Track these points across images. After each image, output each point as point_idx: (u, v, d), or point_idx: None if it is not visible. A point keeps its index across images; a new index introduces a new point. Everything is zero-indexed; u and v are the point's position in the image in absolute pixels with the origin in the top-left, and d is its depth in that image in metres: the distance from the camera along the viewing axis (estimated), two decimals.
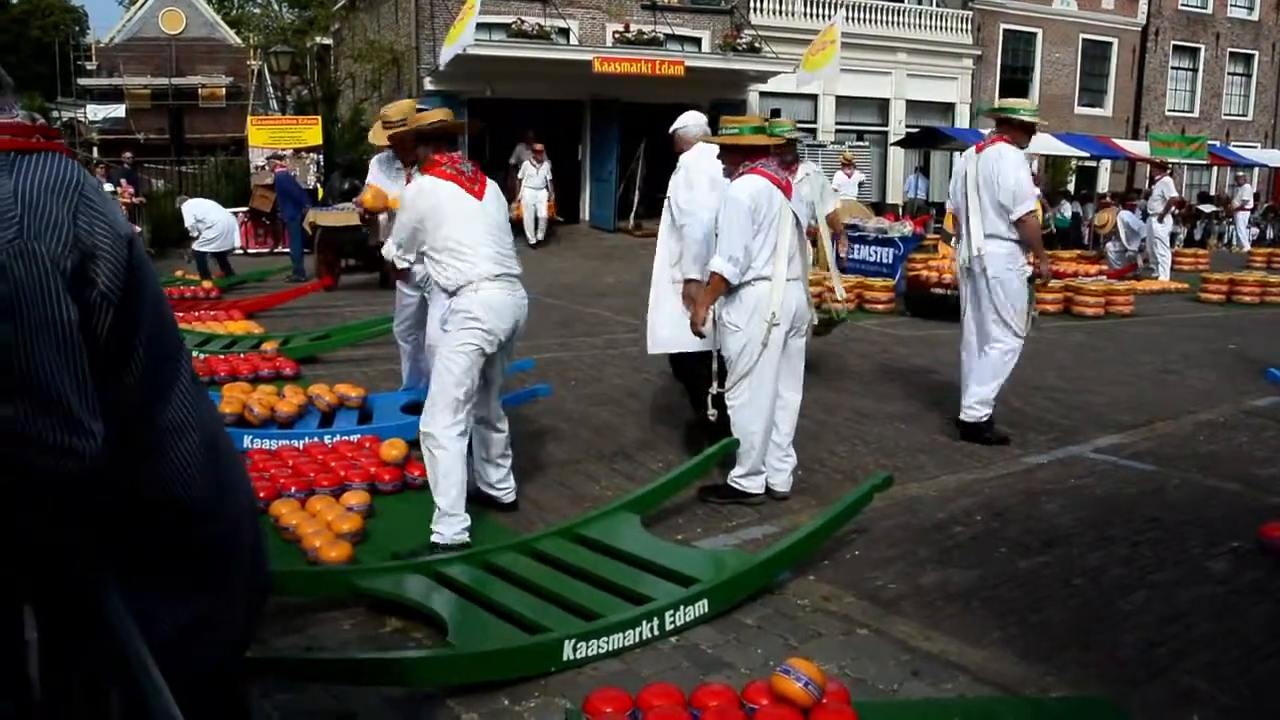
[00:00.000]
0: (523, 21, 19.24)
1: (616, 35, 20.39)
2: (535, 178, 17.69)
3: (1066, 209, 22.16)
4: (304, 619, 3.41)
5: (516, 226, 18.16)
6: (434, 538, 3.89)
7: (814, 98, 22.68)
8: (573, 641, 3.06)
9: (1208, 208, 24.91)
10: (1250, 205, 23.73)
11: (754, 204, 4.39)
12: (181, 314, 9.04)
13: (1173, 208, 15.01)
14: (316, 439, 5.25)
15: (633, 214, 20.26)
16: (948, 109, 25.63)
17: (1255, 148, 28.94)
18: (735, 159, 4.62)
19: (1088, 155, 24.70)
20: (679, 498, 4.59)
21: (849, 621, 3.43)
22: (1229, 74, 30.83)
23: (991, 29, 26.09)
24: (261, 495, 4.28)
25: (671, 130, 5.67)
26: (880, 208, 20.92)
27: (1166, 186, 14.83)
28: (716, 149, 4.87)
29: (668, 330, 5.43)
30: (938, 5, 25.25)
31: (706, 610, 3.37)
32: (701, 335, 4.63)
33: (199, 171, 20.49)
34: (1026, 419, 6.23)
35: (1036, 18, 26.99)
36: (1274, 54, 31.40)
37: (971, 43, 25.62)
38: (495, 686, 2.93)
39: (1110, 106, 28.73)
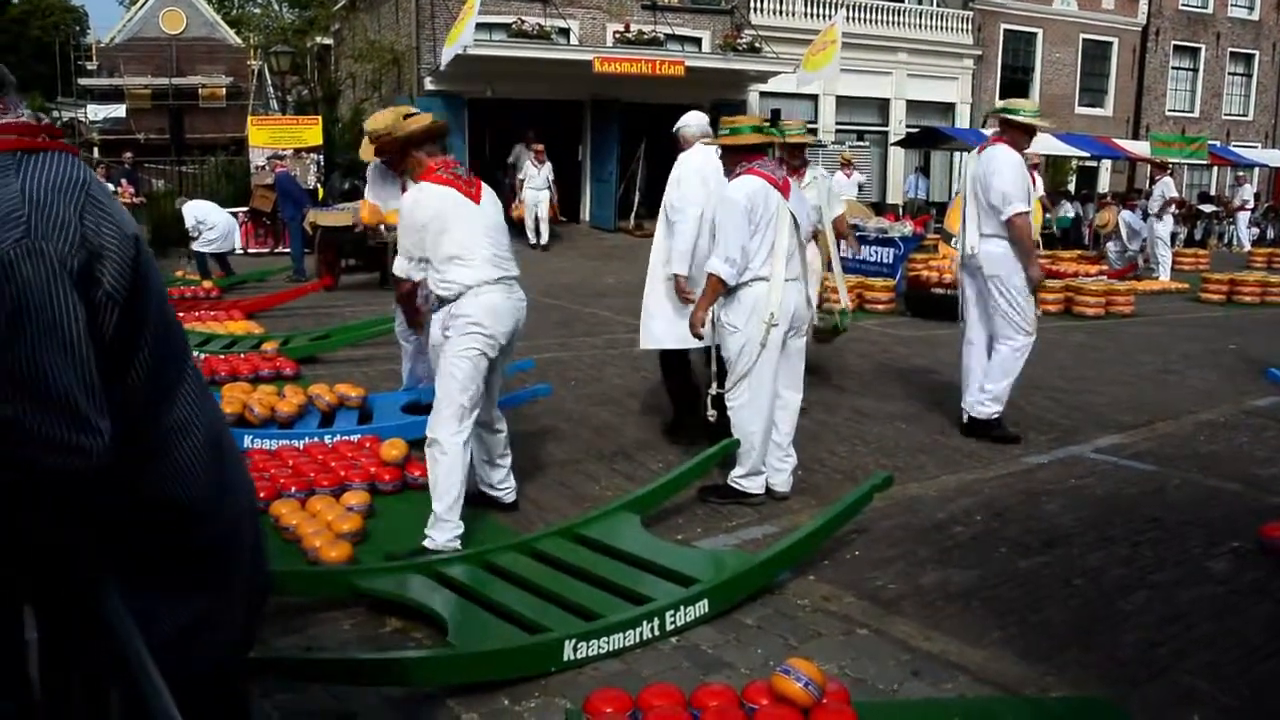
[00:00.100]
0: (523, 21, 19.24)
1: (617, 35, 20.40)
2: (537, 178, 17.61)
3: (1067, 209, 22.16)
4: (304, 619, 3.41)
5: (518, 228, 18.18)
6: (426, 542, 3.88)
7: (814, 98, 22.68)
8: (573, 641, 3.06)
9: (1208, 208, 24.92)
10: (1250, 205, 23.72)
11: (750, 204, 4.39)
12: (182, 314, 9.04)
13: (1172, 207, 14.99)
14: (316, 439, 5.25)
15: (633, 214, 20.26)
16: (948, 109, 25.63)
17: (1256, 148, 28.94)
18: (733, 159, 4.63)
19: (1088, 155, 24.70)
20: (679, 498, 4.59)
21: (849, 621, 3.43)
22: (1229, 74, 30.83)
23: (992, 29, 26.09)
24: (262, 495, 4.27)
25: (674, 129, 5.72)
26: (880, 208, 20.92)
27: (1167, 186, 14.83)
28: (714, 149, 4.89)
29: (661, 327, 5.49)
30: (938, 5, 25.24)
31: (707, 610, 3.37)
32: (700, 337, 4.65)
33: (199, 171, 20.49)
34: (1027, 419, 6.23)
35: (1037, 18, 26.99)
36: (1274, 54, 31.40)
37: (972, 43, 25.62)
38: (495, 686, 2.93)
39: (1111, 106, 28.73)
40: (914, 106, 24.91)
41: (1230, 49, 30.61)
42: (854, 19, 22.88)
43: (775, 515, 4.52)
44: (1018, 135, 5.60)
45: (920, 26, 24.81)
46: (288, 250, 15.11)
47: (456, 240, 3.92)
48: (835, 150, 21.19)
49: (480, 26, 17.00)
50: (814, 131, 22.32)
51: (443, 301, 4.01)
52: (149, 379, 1.48)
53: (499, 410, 4.41)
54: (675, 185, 5.36)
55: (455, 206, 3.96)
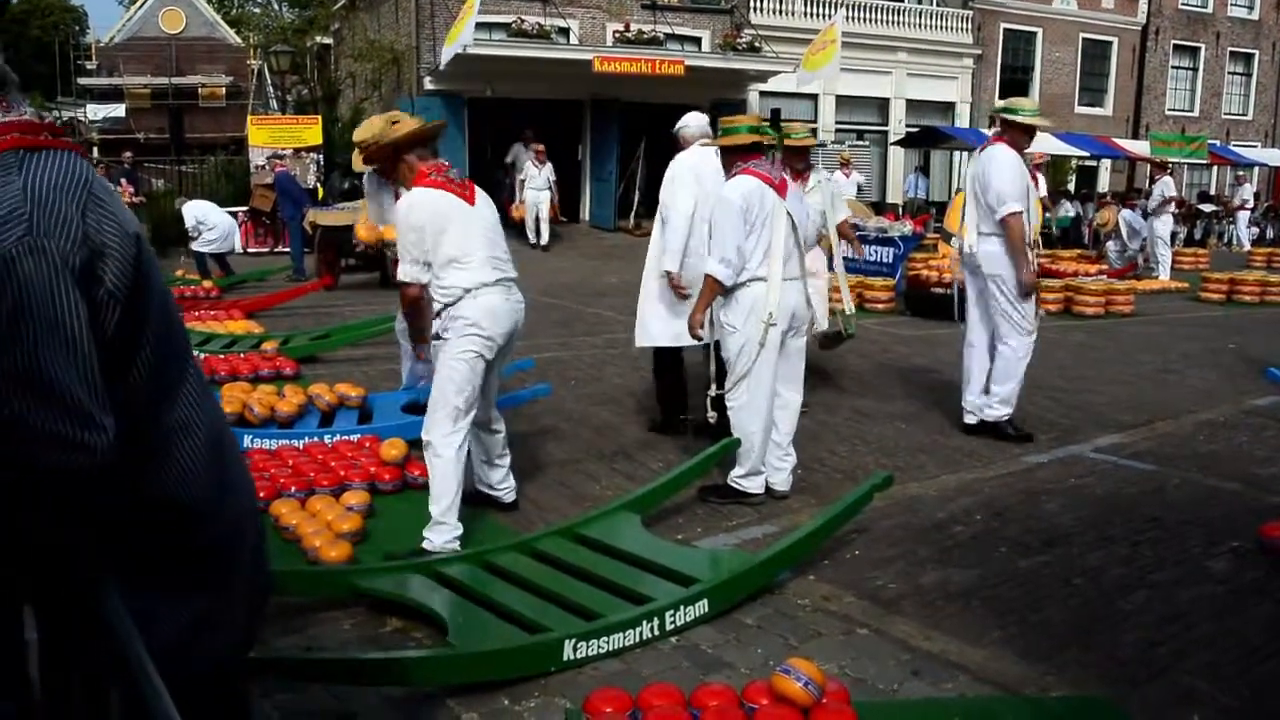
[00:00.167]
0: (523, 21, 19.24)
1: (616, 35, 20.39)
2: (538, 179, 17.56)
3: (1067, 208, 22.16)
4: (304, 619, 3.41)
5: (518, 228, 18.16)
6: (424, 544, 3.88)
7: (814, 97, 22.68)
8: (573, 641, 3.06)
9: (1208, 207, 24.92)
10: (1250, 205, 23.73)
11: (745, 204, 4.40)
12: (182, 313, 9.03)
13: (1170, 205, 14.98)
14: (316, 439, 5.25)
15: (633, 213, 20.26)
16: (948, 108, 25.63)
17: (1255, 147, 28.94)
18: (730, 160, 4.66)
19: (1088, 155, 24.71)
20: (679, 497, 4.59)
21: (849, 621, 3.43)
22: (1229, 73, 30.83)
23: (992, 28, 26.09)
24: (261, 495, 4.27)
25: (674, 130, 5.78)
26: (880, 207, 20.91)
27: (1166, 186, 14.83)
28: (710, 149, 4.92)
29: (657, 325, 5.55)
30: (938, 5, 25.24)
31: (707, 610, 3.37)
32: (699, 339, 4.66)
33: (199, 171, 20.48)
34: (1027, 418, 6.22)
35: (1037, 17, 26.99)
36: (1274, 53, 31.40)
37: (972, 42, 25.62)
38: (495, 686, 2.93)
39: (1110, 106, 28.73)
40: (914, 106, 24.91)
41: (1230, 48, 30.61)
42: (854, 18, 22.88)
43: (775, 515, 4.52)
44: (1017, 135, 5.61)
45: (920, 26, 24.81)
46: (287, 250, 15.11)
47: (454, 243, 3.89)
48: (835, 150, 21.19)
49: (480, 26, 16.99)
50: (814, 132, 22.34)
51: (442, 307, 3.97)
52: (151, 378, 1.48)
53: (497, 410, 4.41)
54: (669, 184, 5.44)
55: (451, 209, 3.92)
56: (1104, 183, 27.76)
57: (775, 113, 19.61)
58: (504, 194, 18.95)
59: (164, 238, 15.56)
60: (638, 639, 3.19)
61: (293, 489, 4.43)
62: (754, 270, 4.45)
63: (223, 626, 1.65)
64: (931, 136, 22.98)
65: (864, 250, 9.47)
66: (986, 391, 5.84)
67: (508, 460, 4.47)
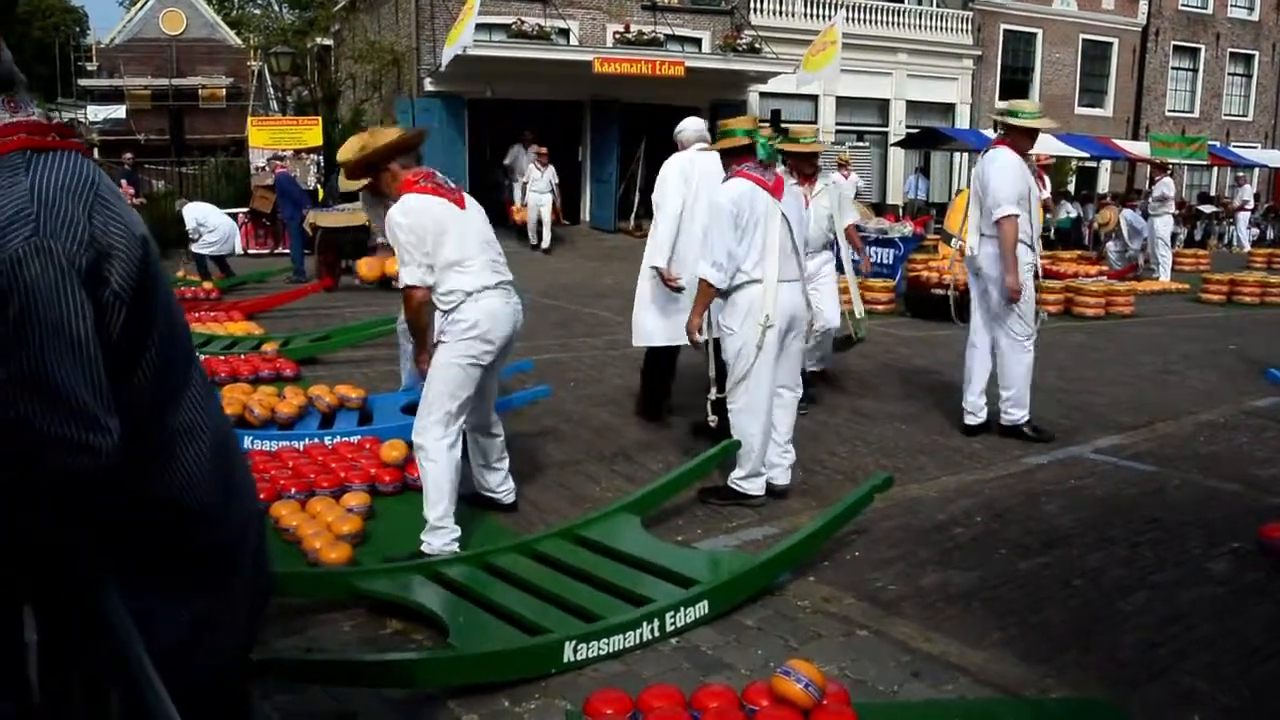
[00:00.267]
0: (523, 22, 19.24)
1: (617, 36, 20.40)
2: (540, 181, 17.50)
3: (1067, 209, 22.15)
4: (304, 620, 3.41)
5: (519, 230, 18.14)
6: (423, 547, 3.88)
7: (814, 98, 22.67)
8: (573, 643, 3.06)
9: (1208, 208, 24.91)
10: (1250, 206, 23.73)
11: (736, 208, 4.42)
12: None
13: (1168, 205, 14.96)
14: (317, 440, 5.25)
15: (633, 215, 20.24)
16: (948, 109, 25.62)
17: (1255, 148, 28.94)
18: (727, 163, 4.70)
19: (1088, 156, 24.70)
20: (679, 499, 4.59)
21: (849, 623, 3.43)
22: (1229, 74, 30.83)
23: (992, 29, 26.09)
24: (262, 497, 4.27)
25: (675, 134, 5.89)
26: (880, 208, 20.92)
27: (1166, 187, 14.84)
28: (705, 151, 5.01)
29: (651, 323, 5.68)
30: (938, 6, 25.25)
31: (707, 611, 3.37)
32: (696, 344, 4.70)
33: (199, 172, 20.48)
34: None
35: (1036, 18, 26.99)
36: (1274, 54, 31.40)
37: (972, 43, 25.62)
38: (495, 688, 2.93)
39: (1110, 107, 28.73)
40: (914, 107, 24.91)
41: (1230, 49, 30.61)
42: (854, 19, 22.88)
43: (775, 516, 4.52)
44: (1019, 138, 5.63)
45: (920, 27, 24.81)
46: (287, 251, 15.11)
47: (453, 246, 3.88)
48: (834, 151, 21.19)
49: (480, 27, 16.99)
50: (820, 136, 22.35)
51: (443, 312, 3.94)
52: (155, 379, 1.48)
53: (496, 414, 4.41)
54: (659, 185, 5.64)
55: (445, 213, 3.90)
56: (1104, 184, 27.76)
57: (775, 114, 19.61)
58: (503, 195, 18.97)
59: (164, 239, 15.49)
60: (638, 640, 3.19)
61: (293, 490, 4.43)
62: (749, 273, 4.46)
63: (223, 627, 1.65)
64: (931, 138, 22.99)
65: (869, 264, 9.42)
66: (987, 393, 5.85)
67: (506, 463, 4.46)
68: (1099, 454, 5.62)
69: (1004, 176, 5.49)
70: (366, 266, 5.05)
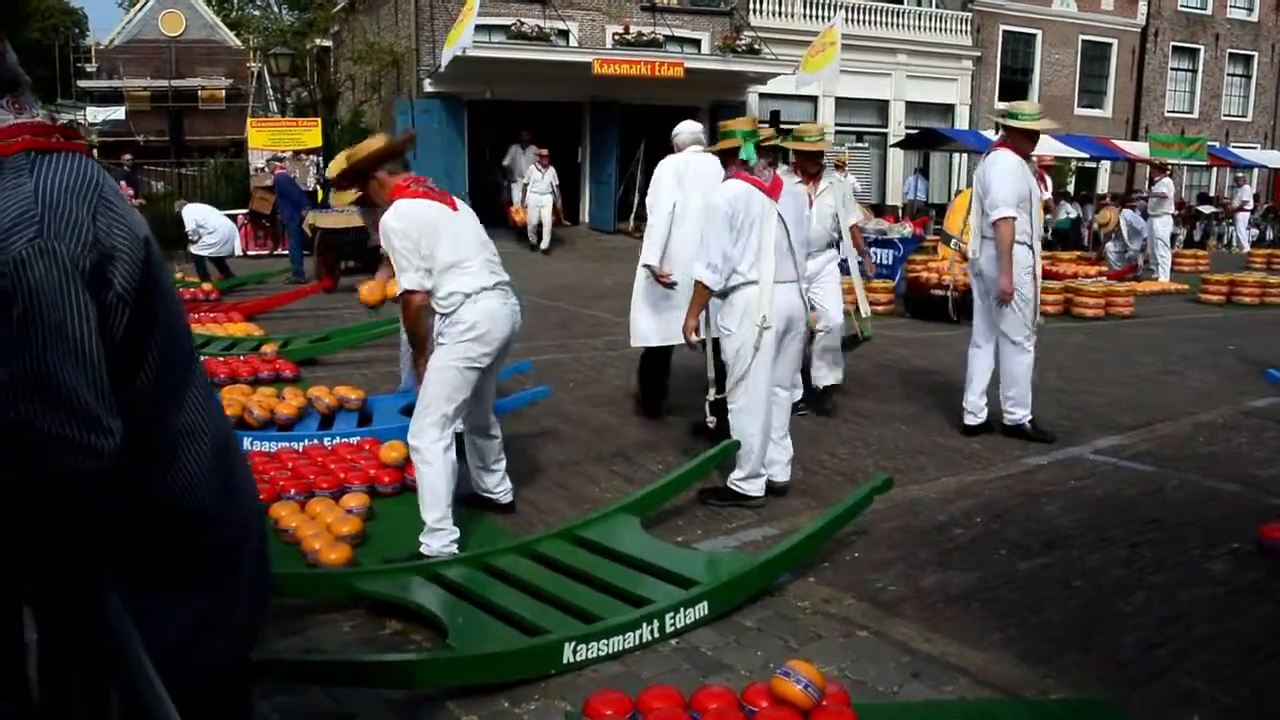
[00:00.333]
0: (522, 23, 19.25)
1: (616, 37, 20.41)
2: (540, 182, 17.47)
3: (1067, 210, 22.15)
4: (303, 621, 3.41)
5: (518, 231, 18.13)
6: (422, 548, 3.88)
7: (813, 99, 22.68)
8: (572, 644, 3.06)
9: (1207, 209, 24.92)
10: (1250, 206, 23.74)
11: (731, 210, 4.43)
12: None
13: (1167, 204, 14.96)
14: (316, 441, 5.25)
15: (632, 215, 20.22)
16: (947, 110, 25.64)
17: (1255, 149, 28.95)
18: (727, 163, 4.72)
19: (1087, 156, 24.71)
20: (679, 500, 4.59)
21: (849, 624, 3.43)
22: (1228, 75, 30.85)
23: (991, 30, 26.10)
24: (261, 497, 4.26)
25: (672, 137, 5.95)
26: (880, 209, 20.93)
27: (1166, 187, 14.85)
28: (701, 153, 5.02)
29: (647, 323, 5.73)
30: (937, 7, 25.27)
31: (706, 612, 3.37)
32: (692, 345, 4.73)
33: (198, 174, 20.48)
34: None
35: (1036, 19, 27.01)
36: (1273, 55, 31.42)
37: (971, 44, 25.64)
38: (495, 689, 2.93)
39: (1110, 107, 28.75)
40: (913, 108, 24.93)
41: (1229, 50, 30.63)
42: (853, 20, 22.90)
43: (775, 517, 4.52)
44: (1020, 140, 5.64)
45: (919, 28, 24.83)
46: (287, 252, 15.11)
47: (450, 247, 3.88)
48: (834, 152, 21.18)
49: (479, 28, 16.99)
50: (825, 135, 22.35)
51: (442, 315, 3.93)
52: (157, 381, 1.49)
53: (494, 416, 4.41)
54: (653, 185, 5.72)
55: (438, 217, 3.89)
56: (1103, 184, 27.77)
57: (775, 114, 19.63)
58: (502, 196, 18.97)
59: (163, 240, 15.39)
60: (637, 641, 3.19)
61: (292, 491, 4.43)
62: (745, 274, 4.47)
63: (224, 627, 1.65)
64: (931, 138, 23.00)
65: (872, 265, 9.40)
66: (988, 394, 5.86)
67: (503, 465, 4.46)
68: (1099, 454, 5.62)
69: (1005, 179, 5.51)
70: (367, 290, 5.02)
